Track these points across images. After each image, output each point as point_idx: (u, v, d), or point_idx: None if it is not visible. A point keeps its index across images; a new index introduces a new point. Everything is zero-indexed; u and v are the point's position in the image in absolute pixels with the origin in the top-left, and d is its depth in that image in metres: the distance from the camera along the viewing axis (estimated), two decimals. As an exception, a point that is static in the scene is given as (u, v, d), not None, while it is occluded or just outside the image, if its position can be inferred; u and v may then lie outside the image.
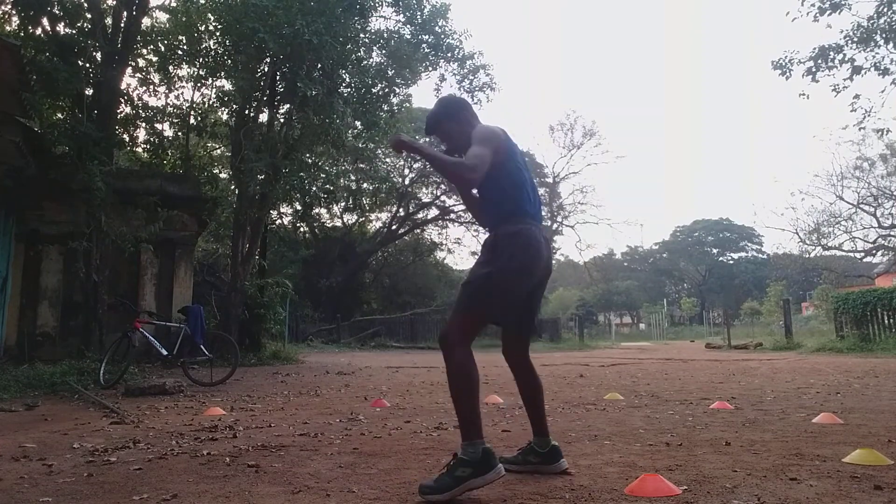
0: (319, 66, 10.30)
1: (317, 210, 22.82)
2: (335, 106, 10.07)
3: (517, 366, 2.76)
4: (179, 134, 12.18)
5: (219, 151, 15.19)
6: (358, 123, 11.58)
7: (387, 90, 12.01)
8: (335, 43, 9.91)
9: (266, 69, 11.06)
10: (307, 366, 10.49)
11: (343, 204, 23.93)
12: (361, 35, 11.47)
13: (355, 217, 26.68)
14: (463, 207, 22.85)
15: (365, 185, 22.43)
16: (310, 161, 11.90)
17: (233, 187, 11.86)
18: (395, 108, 12.32)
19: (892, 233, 24.63)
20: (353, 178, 21.92)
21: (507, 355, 2.77)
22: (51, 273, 9.68)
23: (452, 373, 2.42)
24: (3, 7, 10.15)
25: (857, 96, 12.55)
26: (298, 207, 18.46)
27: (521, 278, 2.55)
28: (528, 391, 2.76)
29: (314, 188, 12.13)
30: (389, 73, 11.97)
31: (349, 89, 11.13)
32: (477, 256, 2.75)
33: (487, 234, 2.68)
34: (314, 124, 10.65)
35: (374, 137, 12.54)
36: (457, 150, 2.73)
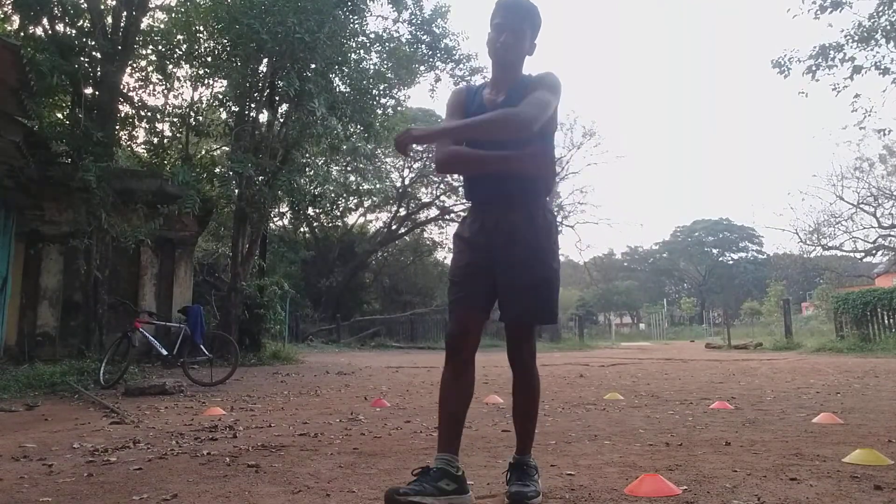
0: (313, 65, 10.26)
1: (313, 211, 22.79)
2: (323, 105, 10.01)
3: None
4: (178, 135, 12.17)
5: (218, 151, 15.18)
6: (352, 126, 11.53)
7: (384, 91, 11.97)
8: (328, 41, 9.87)
9: (264, 69, 11.05)
10: (307, 366, 10.49)
11: (334, 209, 23.86)
12: (360, 38, 11.43)
13: (354, 218, 26.71)
14: (464, 207, 22.62)
15: (365, 185, 22.41)
16: (304, 162, 11.87)
17: (232, 187, 11.84)
18: (391, 109, 12.25)
19: (892, 233, 24.61)
20: (348, 179, 21.91)
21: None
22: (51, 273, 9.67)
23: (538, 388, 2.43)
24: (3, 7, 10.13)
25: (857, 96, 12.53)
26: (291, 208, 18.40)
27: None
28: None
29: (310, 189, 12.09)
30: (388, 74, 11.92)
31: (346, 90, 11.10)
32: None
33: (533, 212, 2.28)
34: (309, 125, 10.62)
35: (369, 142, 12.51)
36: (510, 50, 2.23)
